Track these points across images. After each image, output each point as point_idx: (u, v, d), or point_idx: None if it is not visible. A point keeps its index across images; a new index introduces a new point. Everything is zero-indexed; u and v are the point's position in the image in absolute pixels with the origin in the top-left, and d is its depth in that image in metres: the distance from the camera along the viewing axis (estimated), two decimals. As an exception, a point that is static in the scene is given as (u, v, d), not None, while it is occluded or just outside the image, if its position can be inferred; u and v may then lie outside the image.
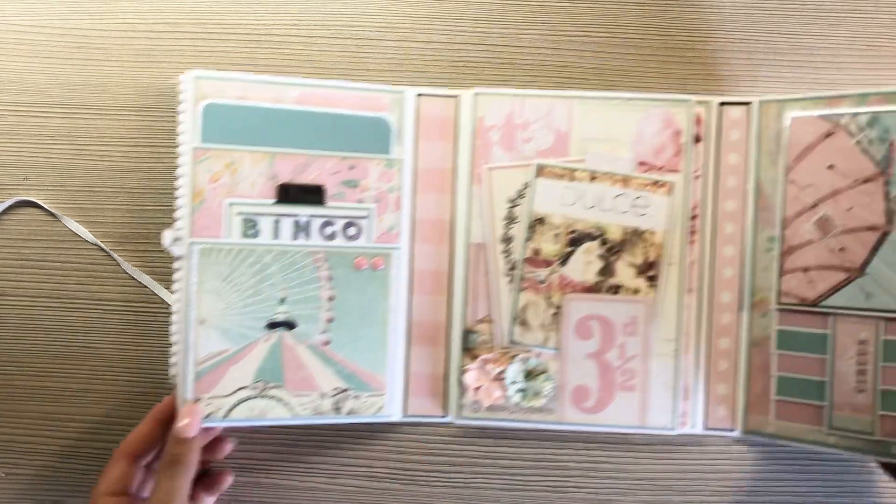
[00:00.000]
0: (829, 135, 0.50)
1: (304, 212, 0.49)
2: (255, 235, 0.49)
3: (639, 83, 0.54)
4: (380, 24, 0.55)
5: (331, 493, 0.55)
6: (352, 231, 0.50)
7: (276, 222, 0.49)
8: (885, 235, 0.50)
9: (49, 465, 0.55)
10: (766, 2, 0.55)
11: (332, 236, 0.50)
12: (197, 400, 0.48)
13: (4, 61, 0.54)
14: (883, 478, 0.54)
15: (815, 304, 0.51)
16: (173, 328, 0.49)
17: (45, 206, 0.54)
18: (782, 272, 0.51)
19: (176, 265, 0.49)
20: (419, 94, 0.52)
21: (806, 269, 0.51)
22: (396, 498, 0.55)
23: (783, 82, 0.54)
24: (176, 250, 0.48)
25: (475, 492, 0.54)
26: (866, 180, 0.50)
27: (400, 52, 0.55)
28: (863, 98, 0.50)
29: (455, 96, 0.52)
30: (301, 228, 0.49)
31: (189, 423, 0.47)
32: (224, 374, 0.49)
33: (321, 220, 0.50)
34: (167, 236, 0.48)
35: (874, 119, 0.49)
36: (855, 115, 0.50)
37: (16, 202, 0.54)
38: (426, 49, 0.55)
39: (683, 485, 0.54)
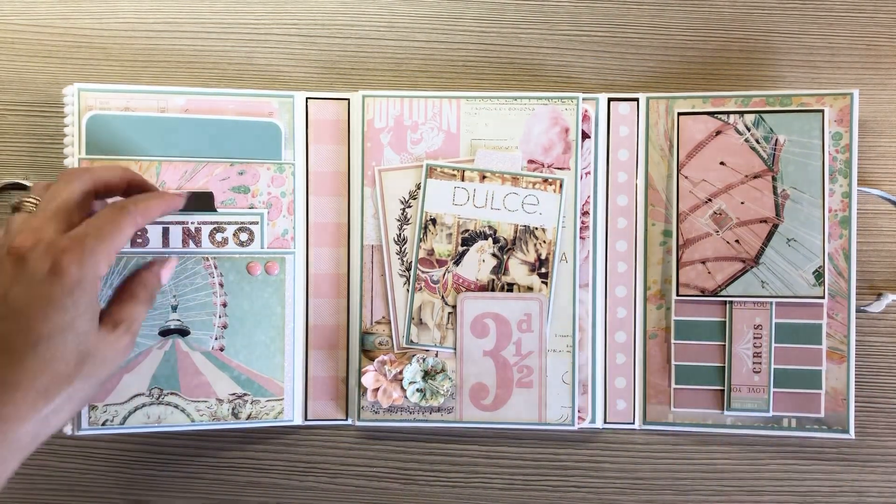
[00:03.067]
0: (718, 133, 0.51)
1: (193, 219, 0.50)
2: (145, 244, 0.49)
3: (638, 83, 0.54)
4: (380, 24, 0.55)
5: (331, 493, 0.55)
6: (244, 236, 0.50)
7: (165, 230, 0.49)
8: (775, 227, 0.51)
9: (49, 465, 0.55)
10: (766, 2, 0.55)
11: (223, 242, 0.50)
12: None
13: (4, 61, 0.54)
14: (883, 477, 0.54)
15: (714, 293, 0.51)
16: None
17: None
18: (680, 265, 0.52)
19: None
20: (308, 98, 0.52)
21: (704, 261, 0.52)
22: (396, 498, 0.55)
23: (783, 82, 0.55)
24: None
25: (475, 492, 0.55)
26: (756, 176, 0.51)
27: (400, 51, 0.55)
28: (746, 99, 0.51)
29: (345, 99, 0.52)
30: (190, 235, 0.50)
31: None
32: (118, 381, 0.49)
33: (211, 227, 0.50)
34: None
35: (759, 119, 0.51)
36: (741, 114, 0.51)
37: (6, 184, 0.54)
38: (426, 49, 0.55)
39: (683, 485, 0.54)
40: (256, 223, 0.50)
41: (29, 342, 0.36)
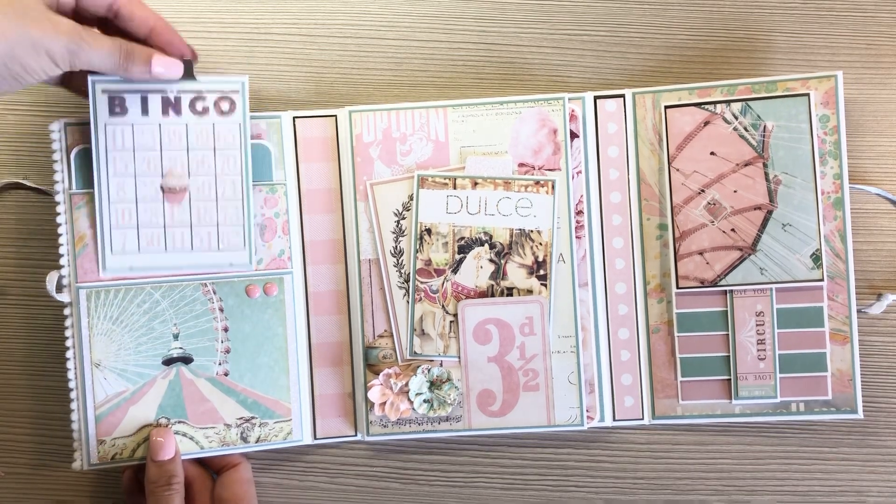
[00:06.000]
0: (706, 123, 0.51)
1: (172, 87, 0.48)
2: (124, 113, 0.48)
3: (638, 82, 0.54)
4: (380, 24, 0.55)
5: (331, 493, 0.55)
6: (225, 105, 0.49)
7: (144, 98, 0.48)
8: (769, 213, 0.51)
9: (49, 465, 0.54)
10: (767, 1, 0.55)
11: (204, 111, 0.48)
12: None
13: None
14: (883, 477, 0.54)
15: (713, 284, 0.51)
16: (70, 374, 0.49)
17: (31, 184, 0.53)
18: (678, 257, 0.52)
19: (66, 311, 0.49)
20: (295, 117, 0.52)
21: (701, 252, 0.52)
22: (396, 498, 0.55)
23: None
24: (62, 296, 0.49)
25: (475, 492, 0.55)
26: (747, 164, 0.51)
27: (400, 51, 0.55)
28: (732, 88, 0.51)
29: (332, 116, 0.52)
30: (170, 104, 0.48)
31: (163, 442, 0.48)
32: (125, 414, 0.49)
33: (191, 96, 0.48)
34: (50, 280, 0.48)
35: (746, 107, 0.51)
36: (728, 103, 0.51)
37: (6, 184, 0.53)
38: (426, 48, 0.55)
39: (683, 484, 0.54)
40: (237, 91, 0.48)
41: None
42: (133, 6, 0.44)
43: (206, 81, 0.48)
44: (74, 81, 0.47)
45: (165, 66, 0.45)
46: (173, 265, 0.49)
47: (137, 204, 0.48)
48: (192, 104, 0.48)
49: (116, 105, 0.47)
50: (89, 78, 0.46)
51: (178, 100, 0.48)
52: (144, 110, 0.47)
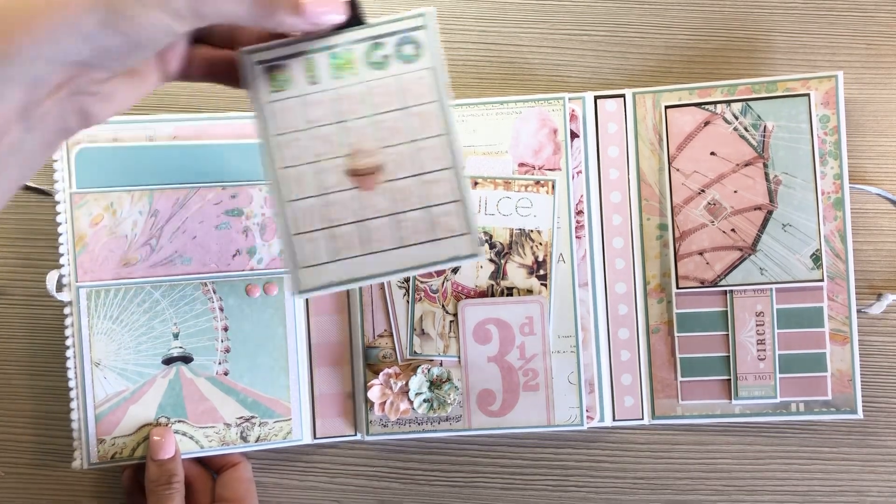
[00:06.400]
0: (707, 123, 0.52)
1: (334, 41, 0.36)
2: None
3: (638, 82, 0.54)
4: None
5: (331, 493, 0.55)
6: (408, 50, 0.36)
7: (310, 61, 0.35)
8: (769, 213, 0.51)
9: (49, 465, 0.54)
10: (767, 1, 0.55)
11: (383, 61, 0.36)
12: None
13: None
14: (883, 477, 0.54)
15: (713, 284, 0.51)
16: (70, 373, 0.49)
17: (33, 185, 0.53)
18: (678, 257, 0.52)
19: (66, 310, 0.49)
20: (296, 118, 0.52)
21: (701, 252, 0.52)
22: (396, 498, 0.55)
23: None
24: (63, 296, 0.49)
25: (475, 492, 0.55)
26: (747, 164, 0.51)
27: None
28: (732, 88, 0.51)
29: (332, 116, 0.52)
30: None
31: (163, 442, 0.48)
32: (125, 413, 0.49)
33: (366, 44, 0.36)
34: (50, 280, 0.48)
35: (746, 107, 0.51)
36: (728, 103, 0.51)
37: None
38: None
39: (683, 485, 0.54)
40: (423, 28, 0.35)
41: None
42: None
43: (381, 23, 0.35)
44: (215, 66, 0.35)
45: (322, 7, 0.32)
46: (379, 270, 0.35)
47: (321, 198, 0.35)
48: (367, 55, 0.35)
49: (276, 78, 0.35)
50: (238, 51, 0.35)
51: (349, 53, 0.35)
52: (312, 77, 0.35)
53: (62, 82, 0.30)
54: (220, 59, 0.35)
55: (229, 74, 0.35)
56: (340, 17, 0.33)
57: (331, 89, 0.35)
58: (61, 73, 0.29)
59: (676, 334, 0.52)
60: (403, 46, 0.35)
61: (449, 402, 0.51)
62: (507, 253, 0.51)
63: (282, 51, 0.35)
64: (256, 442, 0.51)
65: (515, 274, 0.51)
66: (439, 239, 0.35)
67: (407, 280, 0.51)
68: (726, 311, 0.52)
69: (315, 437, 0.53)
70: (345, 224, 0.36)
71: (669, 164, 0.52)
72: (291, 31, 0.34)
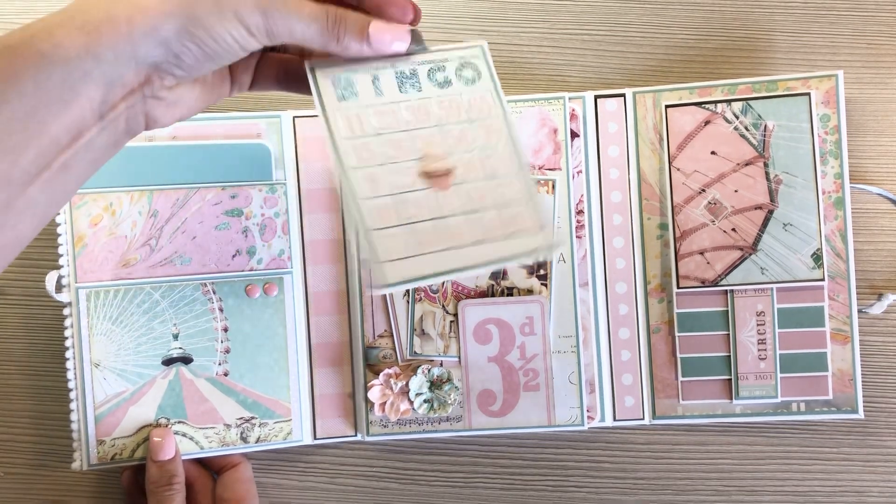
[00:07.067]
0: (707, 122, 0.51)
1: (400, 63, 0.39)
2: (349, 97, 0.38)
3: (639, 82, 0.54)
4: None
5: (331, 493, 0.55)
6: (468, 73, 0.40)
7: (375, 78, 0.38)
8: (770, 213, 0.51)
9: (49, 465, 0.54)
10: (767, 1, 0.55)
11: (446, 83, 0.39)
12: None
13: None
14: (883, 477, 0.54)
15: (714, 283, 0.51)
16: (69, 374, 0.49)
17: None
18: (678, 257, 0.52)
19: (65, 311, 0.49)
20: (295, 117, 0.52)
21: (702, 252, 0.52)
22: (396, 498, 0.55)
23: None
24: (62, 296, 0.49)
25: (475, 492, 0.55)
26: (748, 163, 0.51)
27: None
28: (732, 88, 0.51)
29: (332, 116, 0.52)
30: (406, 78, 0.39)
31: (163, 443, 0.48)
32: (124, 414, 0.49)
33: (429, 66, 0.39)
34: (50, 280, 0.48)
35: (747, 106, 0.51)
36: (729, 103, 0.51)
37: None
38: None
39: (683, 485, 0.54)
40: (478, 57, 0.39)
41: None
42: None
43: (441, 49, 0.39)
44: (284, 74, 0.38)
45: (387, 35, 0.35)
46: (460, 264, 0.36)
47: (398, 197, 0.37)
48: (430, 75, 0.38)
49: (344, 88, 0.37)
50: (305, 63, 0.37)
51: (414, 73, 0.38)
52: (378, 90, 0.37)
53: (135, 86, 0.31)
54: (288, 67, 0.37)
55: (297, 83, 0.37)
56: (404, 45, 0.35)
57: (397, 101, 0.38)
58: (136, 75, 0.30)
59: (677, 334, 0.52)
60: (464, 70, 0.39)
61: (449, 402, 0.51)
62: (507, 253, 0.51)
63: (348, 66, 0.37)
64: (256, 443, 0.51)
65: (515, 274, 0.51)
66: (515, 234, 0.37)
67: (407, 280, 0.51)
68: (727, 311, 0.52)
69: (315, 438, 0.53)
70: (423, 221, 0.37)
71: (670, 163, 0.52)
72: (358, 56, 0.35)
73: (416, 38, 0.37)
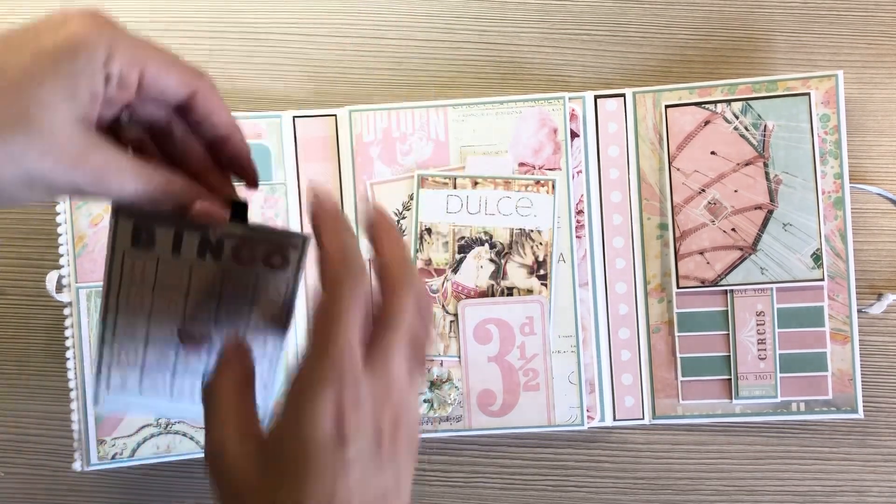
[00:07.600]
0: (707, 122, 0.51)
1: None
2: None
3: (639, 82, 0.54)
4: (379, 23, 0.55)
5: None
6: (276, 260, 0.37)
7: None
8: (770, 213, 0.51)
9: (49, 465, 0.54)
10: (767, 1, 0.55)
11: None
12: None
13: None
14: (883, 477, 0.54)
15: (714, 283, 0.51)
16: (69, 374, 0.49)
17: None
18: (678, 257, 0.52)
19: (66, 311, 0.49)
20: (295, 117, 0.52)
21: (702, 252, 0.52)
22: None
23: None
24: (62, 296, 0.49)
25: (475, 492, 0.55)
26: (747, 163, 0.51)
27: (400, 51, 0.55)
28: (732, 88, 0.51)
29: (332, 115, 0.52)
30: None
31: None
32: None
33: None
34: (50, 280, 0.48)
35: (747, 106, 0.51)
36: (729, 103, 0.51)
37: None
38: (426, 48, 0.55)
39: (683, 485, 0.54)
40: (295, 248, 0.36)
41: None
42: (212, 102, 0.33)
43: (258, 230, 0.35)
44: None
45: (207, 214, 0.34)
46: (176, 414, 0.43)
47: (147, 345, 0.38)
48: (235, 251, 0.36)
49: (142, 235, 0.35)
50: (112, 203, 0.35)
51: (220, 243, 0.36)
52: (176, 248, 0.36)
53: None
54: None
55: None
56: (220, 225, 0.34)
57: (189, 265, 0.36)
58: None
59: (677, 334, 0.52)
60: (273, 256, 0.36)
61: (449, 402, 0.51)
62: (507, 253, 0.51)
63: (156, 219, 0.35)
64: (257, 442, 0.51)
65: (516, 274, 0.51)
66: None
67: (407, 280, 0.51)
68: (727, 311, 0.52)
69: (315, 438, 0.53)
70: (160, 372, 0.38)
71: (670, 163, 0.52)
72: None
73: (240, 212, 0.35)
